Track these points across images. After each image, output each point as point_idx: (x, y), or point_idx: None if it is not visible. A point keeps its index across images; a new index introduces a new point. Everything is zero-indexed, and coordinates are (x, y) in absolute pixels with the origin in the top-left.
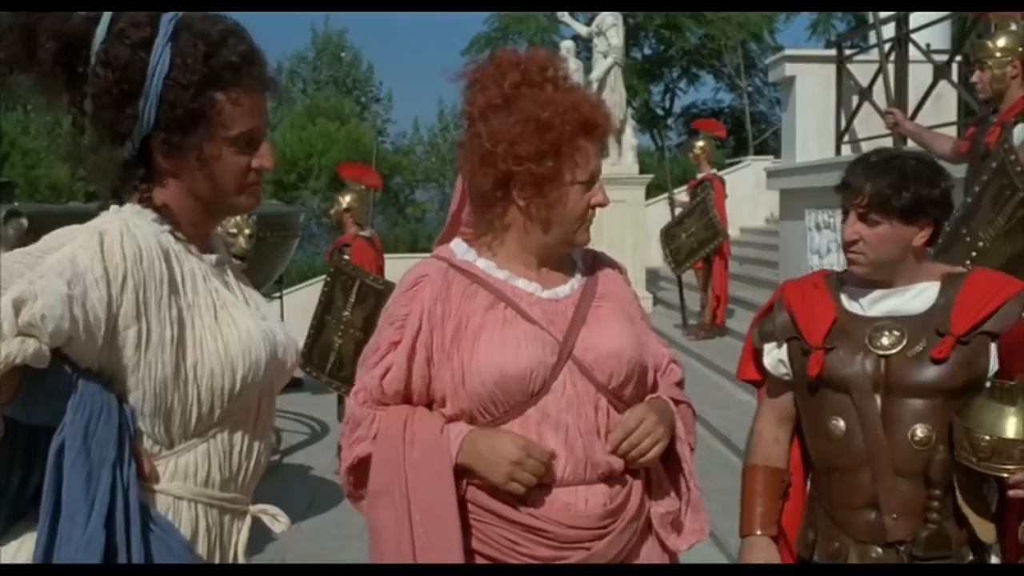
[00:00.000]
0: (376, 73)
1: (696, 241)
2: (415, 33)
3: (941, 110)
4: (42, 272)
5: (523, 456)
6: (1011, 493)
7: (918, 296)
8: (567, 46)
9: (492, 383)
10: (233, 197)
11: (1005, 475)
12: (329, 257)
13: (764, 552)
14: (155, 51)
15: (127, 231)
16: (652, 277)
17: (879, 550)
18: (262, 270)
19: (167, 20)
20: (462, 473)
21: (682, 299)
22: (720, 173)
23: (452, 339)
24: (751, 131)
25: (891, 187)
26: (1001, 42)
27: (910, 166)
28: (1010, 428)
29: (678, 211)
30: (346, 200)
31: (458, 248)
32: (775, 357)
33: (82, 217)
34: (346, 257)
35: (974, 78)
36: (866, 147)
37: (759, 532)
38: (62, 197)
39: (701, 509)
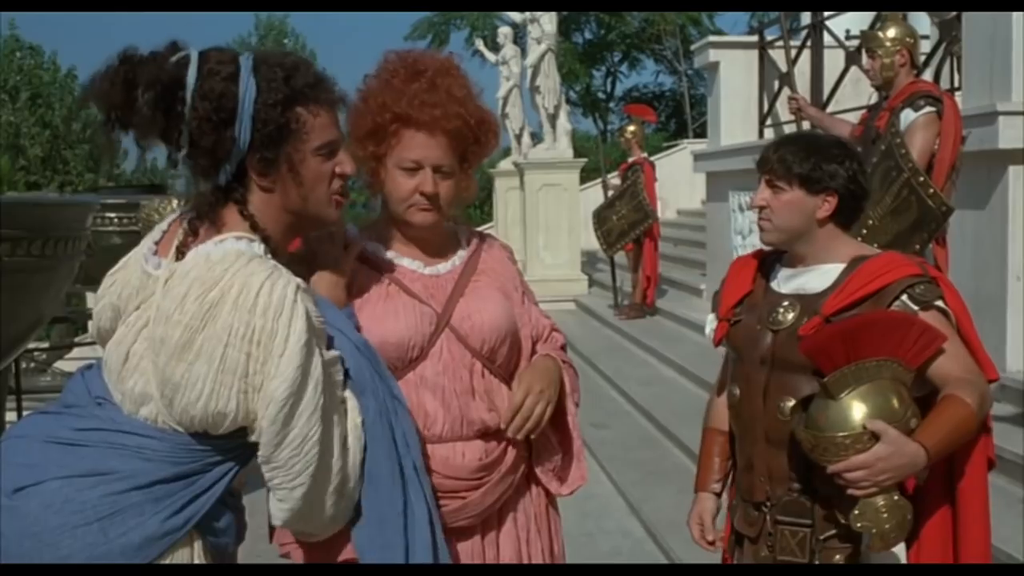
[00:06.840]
0: (320, 60)
1: (626, 223)
2: (359, 18)
3: (860, 93)
4: None
5: None
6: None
7: (823, 276)
8: (505, 32)
9: None
10: (324, 207)
11: (827, 465)
12: None
13: (707, 504)
14: (242, 81)
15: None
16: (589, 259)
17: (754, 510)
18: None
19: (246, 57)
20: None
21: (614, 280)
22: (658, 156)
23: None
24: (690, 114)
25: (794, 155)
26: (891, 33)
27: (819, 141)
28: (827, 423)
29: (611, 194)
30: None
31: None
32: (711, 326)
33: (23, 207)
34: None
35: (865, 65)
36: (788, 130)
37: (707, 491)
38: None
39: (583, 459)
